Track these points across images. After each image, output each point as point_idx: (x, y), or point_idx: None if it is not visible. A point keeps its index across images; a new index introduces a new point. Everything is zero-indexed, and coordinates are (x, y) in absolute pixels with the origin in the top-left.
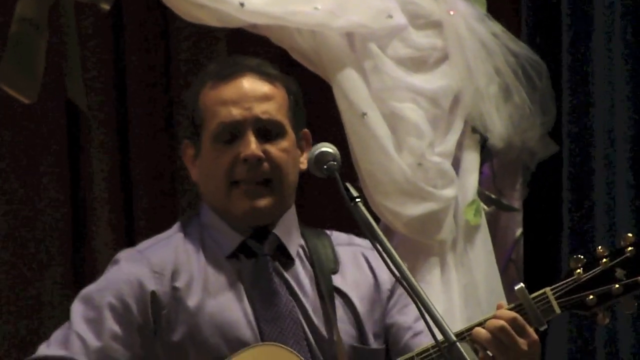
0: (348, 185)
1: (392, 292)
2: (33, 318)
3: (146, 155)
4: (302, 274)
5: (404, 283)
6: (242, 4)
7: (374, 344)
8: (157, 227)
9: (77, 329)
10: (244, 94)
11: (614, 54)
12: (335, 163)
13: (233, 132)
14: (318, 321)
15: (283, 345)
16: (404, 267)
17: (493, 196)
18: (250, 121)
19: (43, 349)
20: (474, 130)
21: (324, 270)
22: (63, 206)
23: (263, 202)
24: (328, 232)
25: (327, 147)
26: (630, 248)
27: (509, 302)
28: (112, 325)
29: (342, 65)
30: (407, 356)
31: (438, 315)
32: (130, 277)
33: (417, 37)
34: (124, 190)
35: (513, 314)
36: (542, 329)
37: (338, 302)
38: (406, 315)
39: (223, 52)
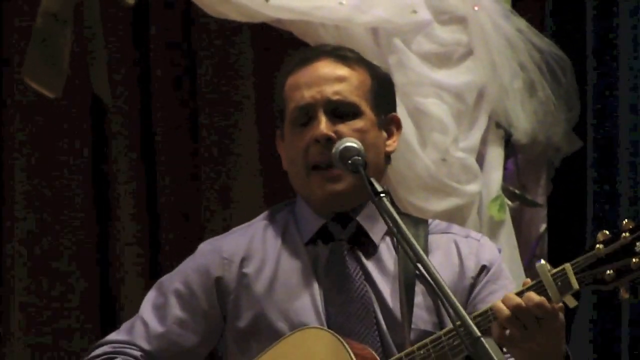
0: (372, 180)
1: (475, 279)
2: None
3: (170, 150)
4: (385, 261)
5: (428, 277)
6: None
7: None
8: (181, 218)
9: (143, 314)
10: (317, 77)
11: (638, 49)
12: (360, 158)
13: (307, 115)
14: (394, 306)
15: (326, 329)
16: (428, 261)
17: (517, 192)
18: (321, 102)
19: (112, 335)
20: (498, 125)
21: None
22: (87, 201)
23: (340, 186)
24: (430, 220)
25: (352, 142)
26: None
27: None
28: (177, 310)
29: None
30: (434, 336)
31: (461, 310)
32: (200, 265)
33: (441, 33)
34: (148, 185)
35: (535, 299)
36: (572, 306)
37: (419, 289)
38: (489, 304)
39: (247, 47)
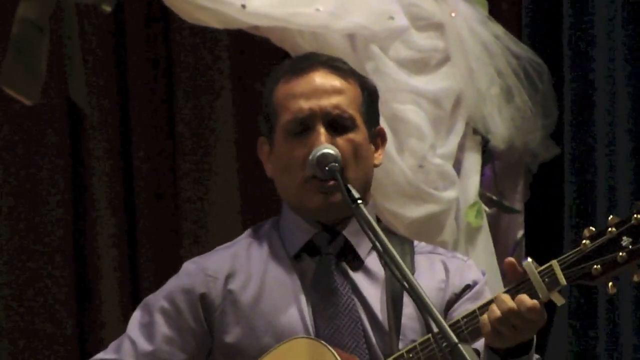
0: (349, 186)
1: (458, 296)
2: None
3: (148, 155)
4: (373, 273)
5: (405, 284)
6: (243, 6)
7: None
8: (158, 223)
9: (130, 333)
10: (315, 88)
11: (615, 55)
12: (337, 164)
13: (304, 125)
14: (382, 318)
15: (315, 338)
16: (405, 268)
17: (494, 198)
18: (321, 114)
19: (99, 355)
20: (476, 132)
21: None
22: (65, 205)
23: (335, 198)
24: (415, 242)
25: (329, 149)
26: (637, 215)
27: None
28: (164, 328)
29: None
30: (423, 339)
31: (439, 317)
32: (184, 284)
33: (418, 39)
34: (125, 190)
35: (529, 303)
36: (560, 304)
37: (407, 299)
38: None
39: (224, 54)
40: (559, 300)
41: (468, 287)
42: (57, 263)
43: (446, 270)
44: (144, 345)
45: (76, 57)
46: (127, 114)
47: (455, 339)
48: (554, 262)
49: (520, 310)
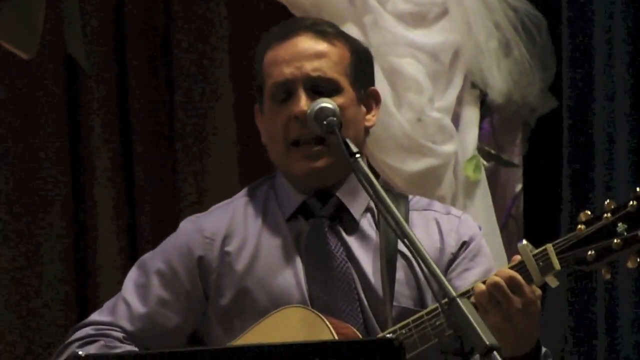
0: (348, 140)
1: (455, 256)
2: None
3: (145, 110)
4: (366, 237)
5: (405, 240)
6: None
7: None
8: (155, 179)
9: (125, 294)
10: (296, 53)
11: (614, 7)
12: (335, 118)
13: (287, 91)
14: (375, 283)
15: (309, 308)
16: (404, 222)
17: (493, 152)
18: (301, 79)
19: (94, 315)
20: (474, 85)
21: (389, 233)
22: (62, 161)
23: (320, 163)
24: (410, 196)
25: (327, 103)
26: (633, 202)
27: (508, 257)
28: (159, 290)
29: (341, 20)
30: (416, 316)
31: (438, 272)
32: (182, 244)
33: None
34: (123, 145)
35: (511, 272)
36: (553, 286)
37: (400, 265)
38: (464, 280)
39: (222, 8)
40: (553, 282)
41: (464, 245)
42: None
43: (440, 230)
44: (139, 307)
45: (74, 10)
46: (124, 67)
47: (454, 293)
48: (549, 246)
49: (500, 280)
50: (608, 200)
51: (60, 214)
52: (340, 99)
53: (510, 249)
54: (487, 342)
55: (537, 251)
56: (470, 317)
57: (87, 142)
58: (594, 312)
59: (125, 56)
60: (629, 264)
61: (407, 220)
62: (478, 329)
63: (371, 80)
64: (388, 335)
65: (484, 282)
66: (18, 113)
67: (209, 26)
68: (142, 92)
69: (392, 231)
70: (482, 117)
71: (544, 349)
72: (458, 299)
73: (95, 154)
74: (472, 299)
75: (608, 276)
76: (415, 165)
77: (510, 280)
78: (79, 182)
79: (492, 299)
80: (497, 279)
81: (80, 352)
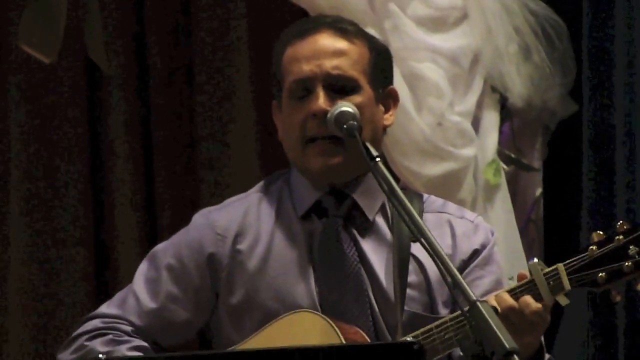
0: (368, 144)
1: (466, 263)
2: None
3: (166, 113)
4: (379, 239)
5: (424, 242)
6: None
7: (442, 312)
8: (175, 183)
9: (135, 288)
10: (316, 50)
11: (635, 13)
12: (355, 122)
13: (306, 88)
14: (387, 286)
15: (318, 313)
16: (424, 225)
17: (513, 155)
18: (321, 76)
19: (103, 307)
20: (494, 89)
21: (402, 236)
22: (82, 164)
23: (336, 160)
24: (425, 196)
25: (347, 107)
26: None
27: (527, 261)
28: (169, 286)
29: (362, 25)
30: (426, 328)
31: (458, 276)
32: (193, 239)
33: None
34: (144, 149)
35: (529, 300)
36: (564, 304)
37: (412, 268)
38: (475, 288)
39: (243, 12)
40: (563, 301)
41: (476, 252)
42: (76, 223)
43: (453, 234)
44: (148, 302)
45: (95, 15)
46: (145, 70)
47: (474, 297)
48: (560, 266)
49: (522, 310)
50: (621, 222)
51: (77, 217)
52: (358, 98)
53: (531, 253)
54: (508, 346)
55: (547, 270)
56: (490, 321)
57: (107, 145)
58: (615, 321)
59: (145, 60)
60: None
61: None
62: (499, 333)
63: (390, 80)
64: (408, 339)
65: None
66: (39, 114)
67: (228, 29)
68: (164, 93)
69: (412, 234)
70: (502, 121)
71: (547, 356)
72: (479, 303)
73: (115, 161)
74: None
75: (618, 298)
76: (435, 169)
77: (532, 312)
78: (99, 187)
79: (507, 322)
80: (516, 307)
81: (101, 356)
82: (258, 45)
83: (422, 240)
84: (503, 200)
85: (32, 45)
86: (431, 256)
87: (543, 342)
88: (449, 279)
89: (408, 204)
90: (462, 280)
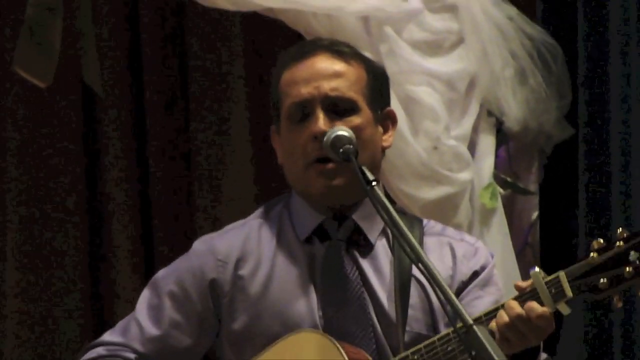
0: (364, 168)
1: (466, 284)
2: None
3: (161, 135)
4: (381, 261)
5: (420, 266)
6: None
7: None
8: (171, 201)
9: (138, 315)
10: (314, 73)
11: (630, 37)
12: (352, 146)
13: (304, 111)
14: (389, 308)
15: (321, 332)
16: (420, 249)
17: (509, 179)
18: (319, 99)
19: (106, 335)
20: (490, 113)
21: (403, 258)
22: (78, 188)
23: (337, 181)
24: (425, 220)
25: (343, 131)
26: None
27: None
28: (171, 313)
29: (358, 48)
30: (428, 341)
31: (454, 299)
32: (194, 265)
33: (432, 21)
34: (139, 169)
35: (534, 305)
36: (565, 313)
37: (414, 289)
38: (474, 308)
39: (238, 36)
40: (565, 310)
41: (476, 274)
42: (71, 232)
43: (453, 256)
44: (151, 329)
45: (90, 39)
46: (141, 95)
47: (470, 320)
48: (561, 273)
49: (529, 317)
50: (621, 229)
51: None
52: (357, 119)
53: (527, 277)
54: None
55: (549, 278)
56: (487, 344)
57: (103, 167)
58: (611, 333)
59: (141, 85)
60: None
61: (421, 245)
62: (495, 356)
63: (387, 101)
64: (409, 354)
65: (502, 306)
66: (35, 138)
67: (224, 51)
68: (159, 116)
69: (408, 257)
70: (498, 145)
71: (544, 355)
72: (475, 326)
73: (111, 182)
74: (490, 325)
75: (620, 304)
76: (431, 193)
77: (537, 316)
78: (95, 209)
79: (515, 330)
80: (524, 314)
81: None
82: (255, 74)
83: (418, 262)
84: (499, 224)
85: (28, 69)
86: (426, 277)
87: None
88: (442, 297)
89: (404, 228)
90: (458, 302)
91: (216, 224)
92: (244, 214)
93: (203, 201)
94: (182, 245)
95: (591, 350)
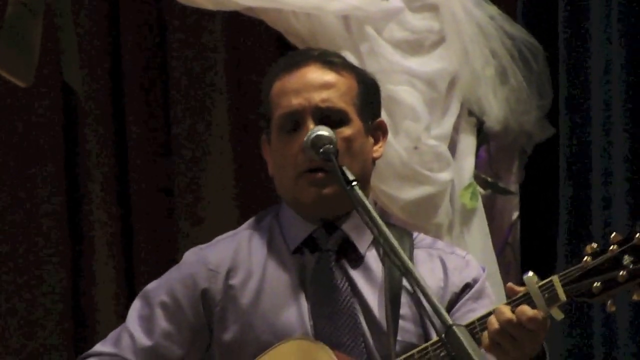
0: (344, 168)
1: (458, 296)
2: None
3: (142, 136)
4: (371, 271)
5: (400, 266)
6: None
7: None
8: (152, 200)
9: (129, 326)
10: (305, 83)
11: (611, 35)
12: (332, 146)
13: (295, 122)
14: (380, 318)
15: (312, 339)
16: (400, 250)
17: (489, 179)
18: (310, 109)
19: (98, 346)
20: (471, 113)
21: (394, 268)
22: (58, 188)
23: (327, 190)
24: (415, 233)
25: (323, 131)
26: (638, 235)
27: (504, 285)
28: (163, 323)
29: (338, 48)
30: (421, 347)
31: (434, 299)
32: (186, 276)
33: (413, 20)
34: (119, 168)
35: (525, 309)
36: (558, 319)
37: (405, 300)
38: (468, 321)
39: (219, 36)
40: (558, 315)
41: (468, 286)
42: (53, 241)
43: (444, 268)
44: (143, 340)
45: (70, 38)
46: (121, 95)
47: (450, 321)
48: (555, 278)
49: (520, 321)
50: (615, 233)
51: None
52: (348, 130)
53: (507, 277)
54: None
55: (542, 282)
56: (465, 344)
57: (83, 170)
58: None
59: (122, 85)
60: (635, 297)
61: (411, 257)
62: (473, 355)
63: (378, 112)
64: None
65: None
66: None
67: (206, 54)
68: (139, 116)
69: (391, 262)
70: (479, 145)
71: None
72: (454, 327)
73: (91, 185)
74: (484, 334)
75: (613, 309)
76: (411, 193)
77: (528, 319)
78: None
79: (508, 336)
80: (514, 319)
81: None
82: (236, 77)
83: (399, 265)
84: (480, 224)
85: (8, 69)
86: (409, 281)
87: (545, 345)
88: (424, 299)
89: (386, 230)
90: (439, 304)
91: (196, 226)
92: (224, 214)
93: (183, 199)
94: (164, 251)
95: None
